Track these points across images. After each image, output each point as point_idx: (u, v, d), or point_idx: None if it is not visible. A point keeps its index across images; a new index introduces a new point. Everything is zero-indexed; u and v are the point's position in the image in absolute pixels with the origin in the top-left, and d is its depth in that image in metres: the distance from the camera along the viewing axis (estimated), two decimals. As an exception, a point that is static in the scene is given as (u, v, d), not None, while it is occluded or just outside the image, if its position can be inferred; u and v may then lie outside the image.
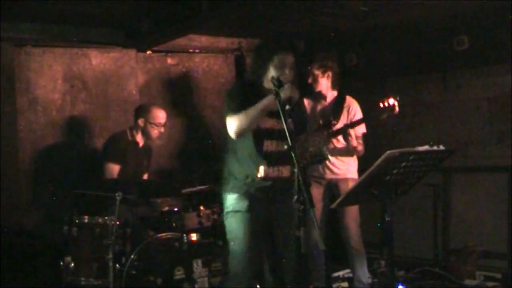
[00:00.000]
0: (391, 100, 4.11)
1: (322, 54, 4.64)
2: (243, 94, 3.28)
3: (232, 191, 3.38)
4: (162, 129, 4.68)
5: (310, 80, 4.60)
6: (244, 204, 3.33)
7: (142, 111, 4.69)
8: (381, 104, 4.14)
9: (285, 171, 3.37)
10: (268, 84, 3.23)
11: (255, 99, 3.19)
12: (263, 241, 3.46)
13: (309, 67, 4.63)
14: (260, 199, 3.35)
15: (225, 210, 3.42)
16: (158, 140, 4.82)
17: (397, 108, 4.10)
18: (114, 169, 4.50)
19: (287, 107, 2.94)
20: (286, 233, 3.34)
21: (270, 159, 3.33)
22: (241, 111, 3.19)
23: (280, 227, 3.41)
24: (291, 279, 3.40)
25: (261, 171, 3.31)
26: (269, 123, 3.33)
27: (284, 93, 3.03)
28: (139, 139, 4.67)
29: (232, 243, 3.38)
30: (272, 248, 3.48)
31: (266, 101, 3.14)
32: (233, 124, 3.20)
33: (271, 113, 3.28)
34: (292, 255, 3.34)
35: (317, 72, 4.55)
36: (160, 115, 4.65)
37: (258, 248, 3.40)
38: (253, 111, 3.16)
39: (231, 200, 3.38)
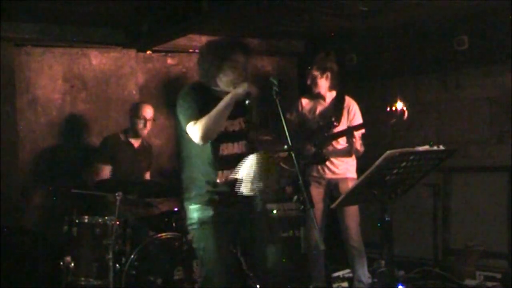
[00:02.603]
0: (400, 105, 4.02)
1: (321, 55, 4.65)
2: (198, 98, 3.15)
3: (194, 201, 3.25)
4: (148, 124, 4.70)
5: (309, 81, 4.61)
6: (208, 214, 3.20)
7: (130, 108, 4.78)
8: (389, 109, 4.08)
9: None
10: (222, 85, 3.19)
11: (209, 101, 3.09)
12: (233, 249, 3.37)
13: (309, 67, 4.63)
14: (223, 205, 3.22)
15: (189, 221, 3.28)
16: (146, 136, 4.82)
17: (406, 114, 4.02)
18: (103, 169, 4.55)
19: (247, 101, 3.01)
20: (255, 236, 3.31)
21: (229, 162, 3.19)
22: (202, 115, 3.05)
23: (248, 231, 3.31)
24: (266, 281, 3.36)
25: (221, 176, 3.20)
26: (222, 126, 3.18)
27: (242, 89, 3.02)
28: (133, 139, 4.70)
29: (200, 253, 3.27)
30: (244, 253, 3.38)
31: (228, 100, 3.04)
32: (198, 129, 3.04)
33: None
34: (263, 257, 3.32)
35: (316, 73, 4.55)
36: (145, 109, 4.69)
37: (228, 255, 3.28)
38: (216, 112, 3.03)
39: (193, 211, 3.24)
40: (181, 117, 3.14)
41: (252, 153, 3.05)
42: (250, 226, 3.28)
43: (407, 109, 4.04)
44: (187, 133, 3.11)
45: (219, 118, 3.04)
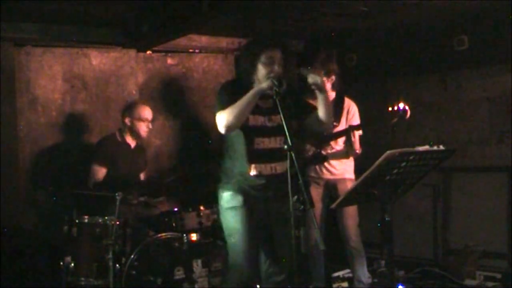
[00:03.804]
0: (402, 105, 4.07)
1: (323, 56, 4.62)
2: (233, 92, 3.29)
3: (226, 188, 3.41)
4: (150, 125, 4.68)
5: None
6: (239, 200, 3.36)
7: (127, 109, 4.71)
8: (390, 108, 4.11)
9: (278, 168, 3.37)
10: (258, 81, 3.29)
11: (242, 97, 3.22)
12: (260, 238, 3.45)
13: (308, 67, 4.61)
14: (254, 196, 3.36)
15: (221, 207, 3.46)
16: (147, 137, 4.80)
17: (409, 113, 4.06)
18: (100, 171, 4.50)
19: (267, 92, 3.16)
20: (282, 232, 3.34)
21: (262, 157, 3.34)
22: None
23: (276, 226, 3.41)
24: (286, 278, 3.41)
25: (253, 169, 3.32)
26: (259, 120, 3.35)
27: (266, 84, 3.14)
28: (130, 140, 4.67)
29: (230, 238, 3.41)
30: (268, 247, 3.46)
31: (250, 95, 3.18)
32: (221, 118, 3.22)
33: (261, 111, 3.33)
34: (288, 255, 3.35)
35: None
36: (145, 111, 4.66)
37: (255, 242, 3.41)
38: (239, 103, 3.18)
39: (226, 196, 3.41)
40: (215, 108, 3.31)
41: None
42: (276, 225, 3.37)
43: (409, 108, 4.06)
44: None
45: (240, 110, 3.17)
